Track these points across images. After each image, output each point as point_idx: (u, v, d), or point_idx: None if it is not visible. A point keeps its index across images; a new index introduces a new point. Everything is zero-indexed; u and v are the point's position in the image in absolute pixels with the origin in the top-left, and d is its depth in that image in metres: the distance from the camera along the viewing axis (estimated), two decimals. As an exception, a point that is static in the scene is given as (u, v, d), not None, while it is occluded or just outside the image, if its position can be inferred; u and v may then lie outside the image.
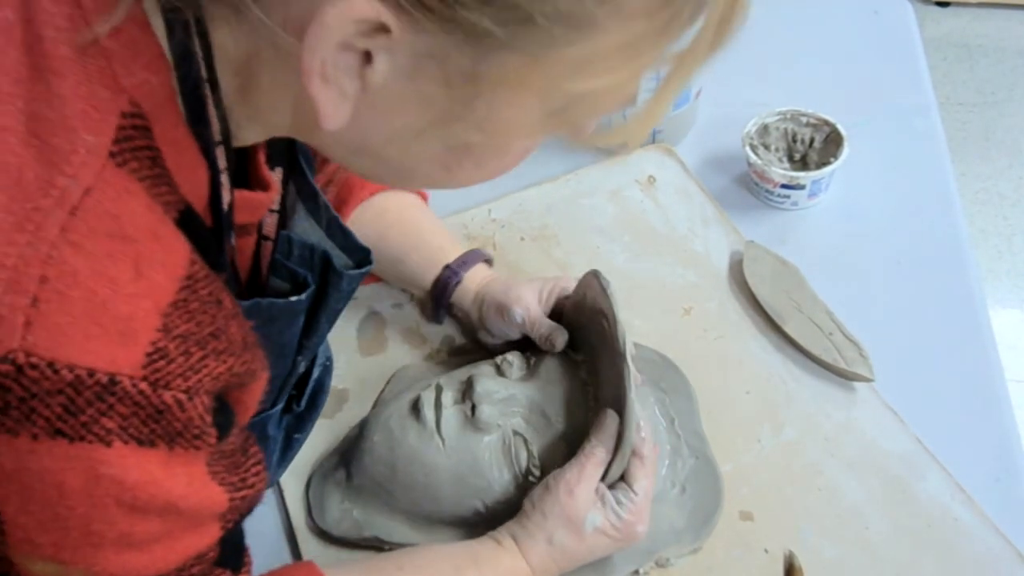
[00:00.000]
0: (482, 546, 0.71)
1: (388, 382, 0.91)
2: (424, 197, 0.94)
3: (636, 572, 0.77)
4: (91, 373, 0.41)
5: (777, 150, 1.06)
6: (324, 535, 0.80)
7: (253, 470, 0.55)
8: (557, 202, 1.06)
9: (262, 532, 0.81)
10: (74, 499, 0.44)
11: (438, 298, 0.88)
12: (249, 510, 0.56)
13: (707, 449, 0.83)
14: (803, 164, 1.05)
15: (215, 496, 0.50)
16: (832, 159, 1.00)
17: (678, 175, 1.08)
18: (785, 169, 1.02)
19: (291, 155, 0.64)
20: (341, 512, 0.79)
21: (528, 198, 1.07)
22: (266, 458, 0.77)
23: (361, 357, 0.93)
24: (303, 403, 0.80)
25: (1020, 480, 0.81)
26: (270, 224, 0.64)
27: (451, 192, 1.01)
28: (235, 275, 0.59)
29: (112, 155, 0.42)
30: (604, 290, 0.75)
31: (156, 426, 0.44)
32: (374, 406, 0.89)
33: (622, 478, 0.73)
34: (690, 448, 0.82)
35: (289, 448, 0.82)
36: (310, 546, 0.80)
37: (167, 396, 0.44)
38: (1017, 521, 0.78)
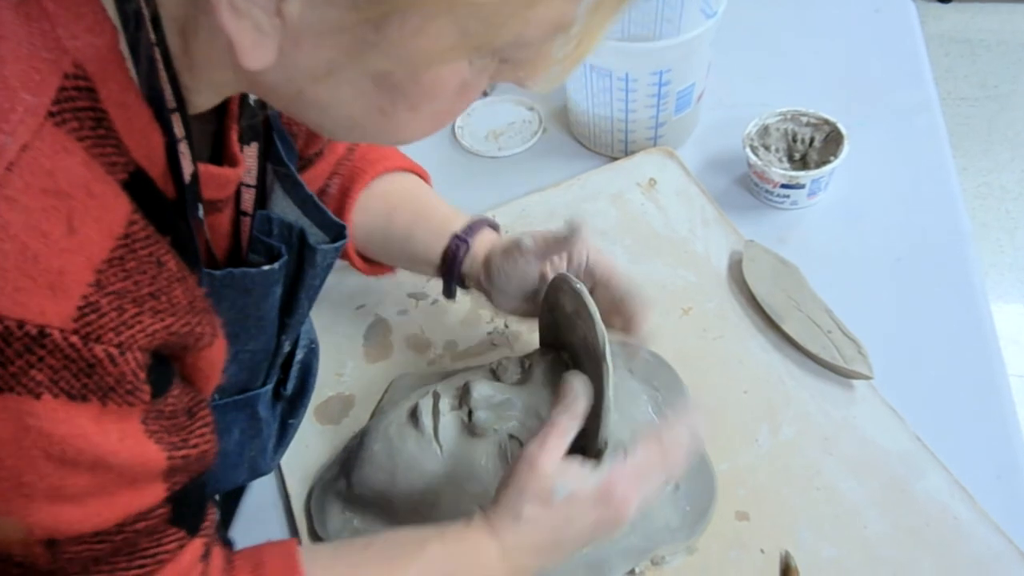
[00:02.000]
0: (451, 524, 0.65)
1: (386, 391, 0.86)
2: (426, 178, 0.87)
3: (632, 572, 0.72)
4: (20, 324, 0.40)
5: (777, 150, 1.01)
6: None
7: (199, 431, 0.52)
8: (560, 207, 1.01)
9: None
10: (4, 450, 0.42)
11: (450, 269, 0.80)
12: (200, 471, 0.53)
13: (700, 446, 0.78)
14: (803, 163, 1.01)
15: (150, 454, 0.48)
16: (832, 158, 0.96)
17: (679, 177, 1.03)
18: (785, 169, 0.98)
19: (267, 135, 0.62)
20: (342, 522, 0.75)
21: (531, 203, 1.02)
22: (262, 443, 0.74)
23: (367, 364, 0.89)
24: (290, 386, 0.77)
25: (1021, 477, 0.75)
26: (248, 200, 0.62)
27: (455, 200, 0.97)
28: (208, 248, 0.57)
29: (51, 114, 0.41)
30: (578, 293, 0.70)
31: (88, 380, 0.43)
32: (372, 415, 0.85)
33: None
34: None
35: (284, 434, 0.79)
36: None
37: (98, 350, 0.42)
38: (1018, 519, 0.72)
